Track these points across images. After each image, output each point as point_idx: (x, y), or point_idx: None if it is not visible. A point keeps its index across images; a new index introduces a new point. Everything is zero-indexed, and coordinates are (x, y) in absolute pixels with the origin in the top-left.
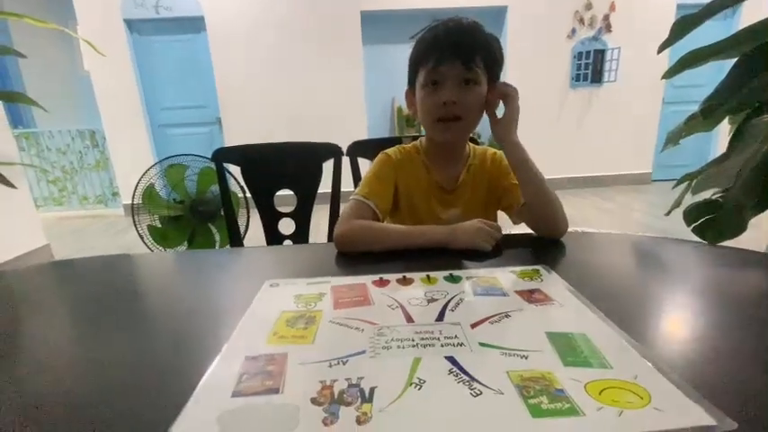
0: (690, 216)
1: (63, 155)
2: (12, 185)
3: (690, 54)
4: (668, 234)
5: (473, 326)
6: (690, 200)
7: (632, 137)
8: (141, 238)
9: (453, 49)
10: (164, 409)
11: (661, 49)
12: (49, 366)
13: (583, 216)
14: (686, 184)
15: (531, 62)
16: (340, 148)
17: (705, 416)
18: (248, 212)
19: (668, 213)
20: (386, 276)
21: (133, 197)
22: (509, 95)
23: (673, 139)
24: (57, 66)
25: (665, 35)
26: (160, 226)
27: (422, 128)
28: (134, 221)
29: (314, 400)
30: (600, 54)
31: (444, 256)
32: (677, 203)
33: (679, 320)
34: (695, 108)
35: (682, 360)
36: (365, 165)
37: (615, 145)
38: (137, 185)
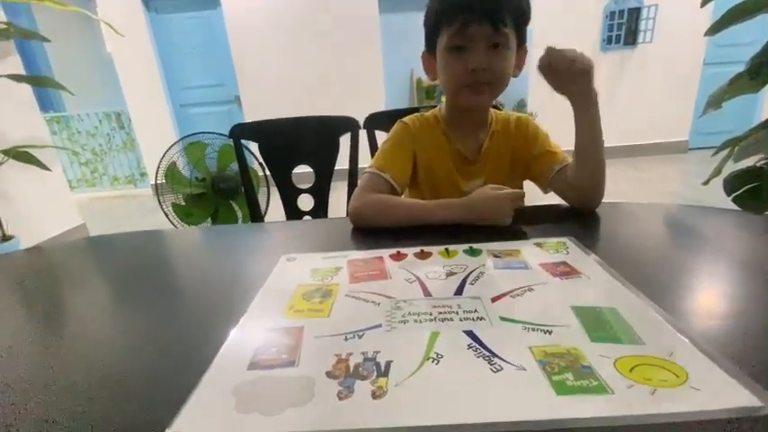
0: (731, 184)
1: (92, 137)
2: (46, 168)
3: (737, 7)
4: (705, 205)
5: (494, 300)
6: (731, 168)
7: (668, 102)
8: (167, 215)
9: (480, 6)
10: (181, 380)
11: (705, 1)
12: (77, 335)
13: (614, 187)
14: (727, 150)
15: (558, 23)
16: (356, 122)
17: (749, 396)
18: (268, 189)
19: (706, 182)
20: (403, 250)
21: (156, 176)
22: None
23: (715, 101)
24: (81, 49)
25: None
26: (184, 204)
27: (442, 98)
28: (159, 200)
29: (329, 374)
30: (635, 12)
31: (463, 229)
32: (717, 172)
33: (718, 294)
34: (739, 69)
35: (721, 336)
36: (382, 138)
37: (650, 112)
38: (159, 164)
